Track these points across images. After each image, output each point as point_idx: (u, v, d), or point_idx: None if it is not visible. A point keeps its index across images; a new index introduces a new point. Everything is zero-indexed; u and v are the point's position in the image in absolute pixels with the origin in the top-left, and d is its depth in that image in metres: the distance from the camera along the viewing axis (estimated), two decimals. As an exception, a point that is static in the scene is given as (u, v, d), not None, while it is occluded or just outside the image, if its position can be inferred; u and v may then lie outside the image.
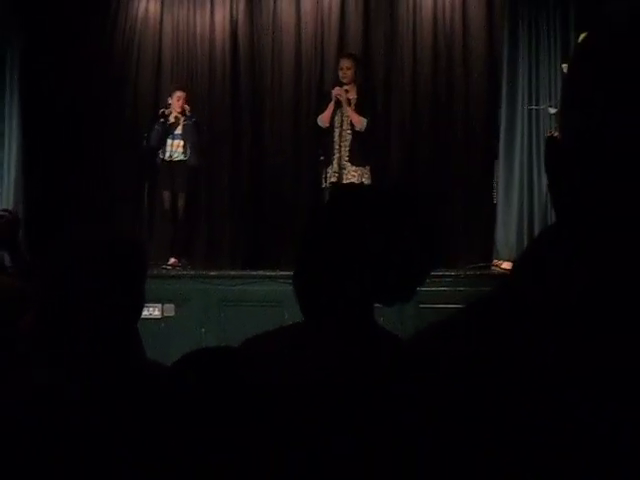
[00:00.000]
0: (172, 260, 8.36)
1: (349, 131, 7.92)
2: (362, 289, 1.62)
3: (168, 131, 8.36)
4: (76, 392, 1.59)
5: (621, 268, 0.62)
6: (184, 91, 8.51)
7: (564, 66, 7.43)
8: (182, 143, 8.38)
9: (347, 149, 7.89)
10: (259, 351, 1.61)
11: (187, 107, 8.47)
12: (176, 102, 8.42)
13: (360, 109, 7.91)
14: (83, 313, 1.70)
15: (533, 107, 7.94)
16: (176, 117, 8.40)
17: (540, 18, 8.09)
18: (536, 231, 7.85)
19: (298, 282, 1.68)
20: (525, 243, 7.88)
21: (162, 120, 8.40)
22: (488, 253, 8.20)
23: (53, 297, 1.74)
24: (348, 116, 7.91)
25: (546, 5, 8.07)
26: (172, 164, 8.37)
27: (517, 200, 8.05)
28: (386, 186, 2.00)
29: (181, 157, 8.39)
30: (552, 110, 7.51)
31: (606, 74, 0.67)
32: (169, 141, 8.38)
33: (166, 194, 8.47)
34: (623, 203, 0.64)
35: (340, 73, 8.01)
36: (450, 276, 6.95)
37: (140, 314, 1.89)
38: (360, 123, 7.86)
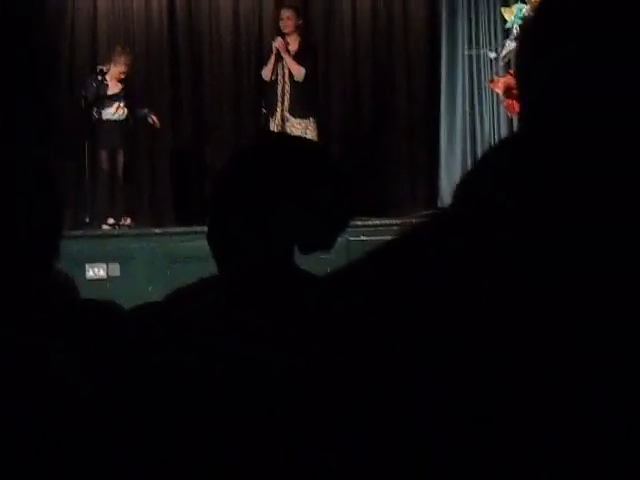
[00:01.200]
0: (127, 220, 8.27)
1: (289, 83, 7.86)
2: (290, 235, 1.62)
3: (106, 93, 8.23)
4: None
5: (560, 220, 0.61)
6: (126, 64, 8.31)
7: (502, 10, 7.42)
8: (122, 104, 8.26)
9: (288, 101, 7.85)
10: (191, 307, 1.59)
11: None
12: (117, 72, 8.24)
13: (300, 60, 7.85)
14: None
15: (473, 52, 7.94)
16: (116, 83, 8.26)
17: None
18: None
19: (217, 230, 1.66)
20: (469, 189, 7.92)
21: (100, 78, 8.26)
22: (433, 202, 8.24)
23: None
24: (289, 68, 7.85)
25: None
26: (110, 123, 8.26)
27: (460, 146, 8.08)
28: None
29: (122, 117, 8.29)
30: (492, 54, 7.52)
31: (569, 31, 0.67)
32: (108, 102, 8.25)
33: (103, 153, 8.36)
34: (566, 156, 0.64)
35: (281, 24, 7.94)
36: (395, 224, 6.98)
37: (58, 238, 1.61)
38: (299, 73, 7.81)
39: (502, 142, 0.74)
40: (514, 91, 6.66)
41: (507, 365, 0.60)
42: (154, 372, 1.48)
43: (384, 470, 0.63)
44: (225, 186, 1.67)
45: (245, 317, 1.44)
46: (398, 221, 7.14)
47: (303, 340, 0.71)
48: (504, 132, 7.85)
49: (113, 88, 8.28)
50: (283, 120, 7.81)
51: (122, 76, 8.28)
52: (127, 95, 8.30)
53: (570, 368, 0.58)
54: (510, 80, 6.66)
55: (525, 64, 0.74)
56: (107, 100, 8.27)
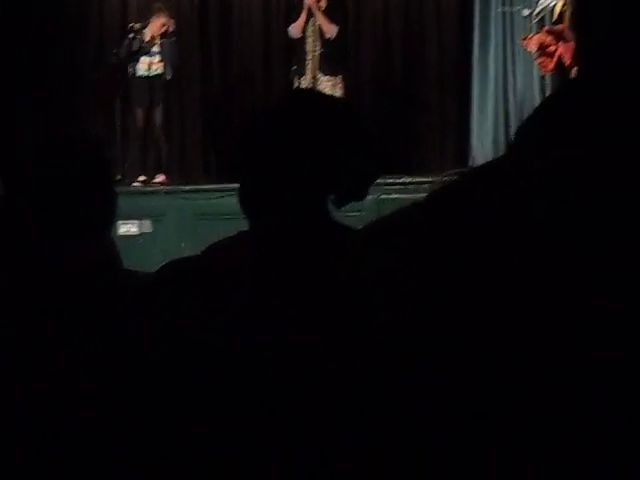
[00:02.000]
0: (161, 177, 8.28)
1: (320, 40, 7.81)
2: (322, 187, 1.63)
3: (142, 48, 8.17)
4: (43, 305, 1.54)
5: (602, 192, 0.60)
6: (170, 16, 8.27)
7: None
8: (158, 59, 8.20)
9: (318, 58, 7.81)
10: (226, 262, 1.61)
11: (170, 27, 8.24)
12: (158, 25, 8.18)
13: (331, 17, 7.79)
14: (46, 221, 1.59)
15: (506, 9, 7.84)
16: (152, 37, 8.19)
17: None
18: (512, 135, 7.81)
19: (248, 185, 1.66)
20: (499, 148, 7.88)
21: (132, 35, 8.21)
22: (463, 160, 8.19)
23: (10, 207, 1.60)
24: (319, 25, 7.80)
25: None
26: (148, 80, 8.21)
27: (492, 104, 8.01)
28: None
29: (158, 72, 8.22)
30: (525, 12, 7.42)
31: None
32: (145, 58, 8.20)
33: (139, 111, 8.34)
34: (613, 121, 0.63)
35: (312, -21, 7.87)
36: (426, 182, 6.95)
37: (112, 218, 1.70)
38: (330, 30, 7.75)
39: (556, 97, 0.72)
40: (547, 49, 6.58)
41: (508, 360, 0.60)
42: (153, 370, 1.48)
43: (383, 466, 0.63)
44: (255, 141, 1.67)
45: (267, 287, 1.44)
46: (429, 179, 7.11)
47: (313, 327, 0.71)
48: (537, 90, 7.76)
49: (149, 45, 8.22)
50: (314, 78, 7.77)
51: (163, 29, 8.22)
52: (163, 51, 8.24)
53: (570, 364, 0.58)
54: (544, 38, 6.58)
55: (581, 21, 0.73)
56: (142, 57, 8.23)
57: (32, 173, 1.59)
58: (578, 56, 0.72)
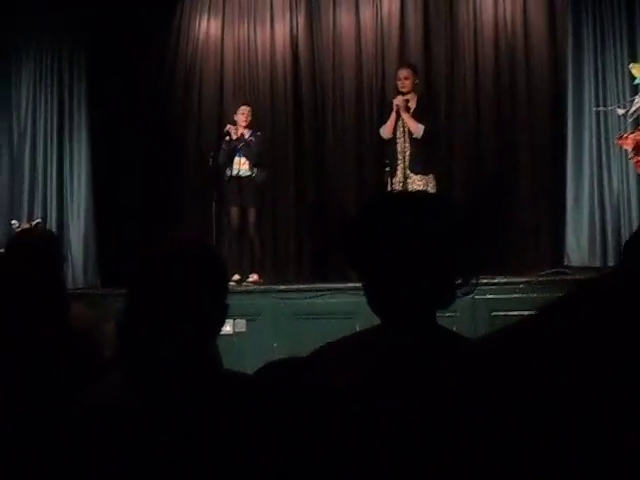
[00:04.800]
0: (254, 277, 8.38)
1: (409, 140, 7.91)
2: (429, 289, 1.63)
3: (235, 149, 8.38)
4: (153, 408, 1.57)
5: None
6: (249, 106, 8.55)
7: (631, 66, 7.30)
8: (244, 159, 8.39)
9: (409, 158, 7.88)
10: (330, 359, 1.62)
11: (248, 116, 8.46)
12: (241, 116, 8.45)
13: (419, 117, 7.89)
14: (167, 325, 1.63)
15: (600, 108, 7.81)
16: (241, 133, 8.41)
17: (605, 18, 7.97)
18: (609, 234, 7.72)
19: (375, 287, 1.67)
20: (596, 247, 7.75)
21: (228, 138, 8.43)
22: (558, 259, 8.08)
23: (135, 310, 1.66)
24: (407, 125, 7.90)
25: (611, 6, 7.95)
26: (240, 180, 8.38)
27: (587, 203, 7.92)
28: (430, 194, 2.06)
29: (247, 173, 8.40)
30: (620, 111, 7.38)
31: None
32: (236, 158, 8.40)
33: (234, 210, 8.49)
34: None
35: (399, 83, 8.04)
36: (521, 282, 6.87)
37: (222, 325, 1.77)
38: (417, 130, 7.85)
39: None
40: (645, 148, 6.51)
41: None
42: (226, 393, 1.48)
43: None
44: (374, 241, 1.68)
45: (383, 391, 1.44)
46: (523, 279, 7.02)
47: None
48: (633, 190, 7.65)
49: (238, 142, 8.40)
50: (405, 177, 7.84)
51: (245, 131, 8.43)
52: (246, 149, 8.38)
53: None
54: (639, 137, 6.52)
55: None
56: (236, 157, 8.40)
57: (156, 277, 1.64)
58: None
